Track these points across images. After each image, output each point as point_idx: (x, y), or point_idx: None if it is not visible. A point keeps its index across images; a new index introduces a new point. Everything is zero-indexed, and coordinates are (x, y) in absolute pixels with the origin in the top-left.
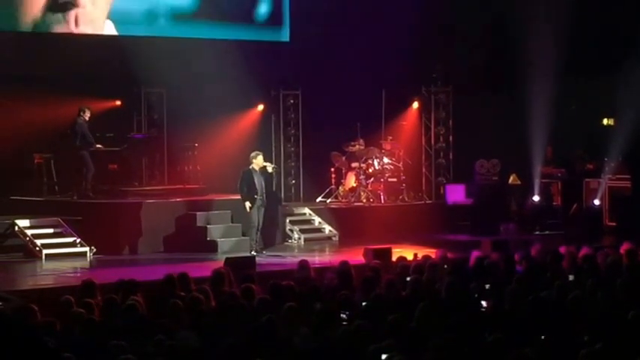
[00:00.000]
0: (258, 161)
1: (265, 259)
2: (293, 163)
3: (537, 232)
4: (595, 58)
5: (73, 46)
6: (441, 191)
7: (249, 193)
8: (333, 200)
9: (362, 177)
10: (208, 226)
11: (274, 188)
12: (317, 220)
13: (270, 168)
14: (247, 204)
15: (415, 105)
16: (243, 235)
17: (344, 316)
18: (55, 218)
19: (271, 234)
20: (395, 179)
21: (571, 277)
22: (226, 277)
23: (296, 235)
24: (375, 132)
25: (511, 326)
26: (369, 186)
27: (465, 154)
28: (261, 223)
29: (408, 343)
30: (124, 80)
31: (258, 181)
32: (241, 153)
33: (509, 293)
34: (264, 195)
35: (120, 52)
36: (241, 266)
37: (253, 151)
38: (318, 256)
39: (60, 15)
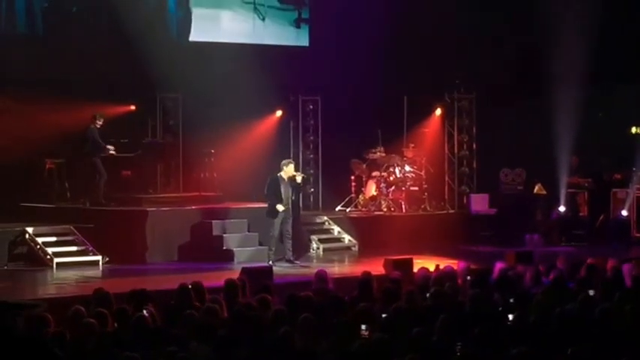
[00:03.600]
0: (288, 170)
1: (283, 270)
2: (312, 171)
3: (563, 244)
4: (623, 66)
5: (86, 49)
6: (464, 201)
7: (276, 202)
8: (353, 209)
9: (383, 185)
10: (224, 235)
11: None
12: (336, 229)
13: (299, 178)
14: (279, 206)
15: (438, 112)
16: (261, 244)
17: (364, 328)
18: (67, 226)
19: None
20: (417, 188)
21: (593, 292)
22: (240, 287)
23: (315, 245)
24: (397, 139)
25: (536, 340)
26: (390, 195)
27: (489, 163)
28: (290, 233)
29: (430, 356)
30: (138, 84)
31: (285, 190)
32: (259, 160)
33: (535, 306)
34: (291, 204)
35: (135, 56)
36: (258, 276)
37: (271, 158)
38: (337, 267)
39: None
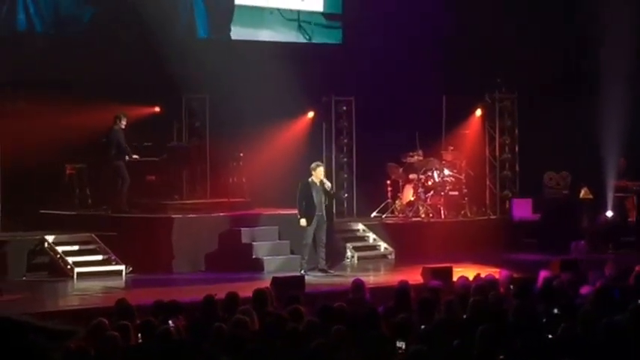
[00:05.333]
0: (317, 173)
1: (316, 279)
2: (346, 175)
3: (611, 251)
4: None
5: (109, 50)
6: (507, 206)
7: (307, 208)
8: (389, 215)
9: (420, 190)
10: (254, 243)
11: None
12: (372, 236)
13: (327, 185)
14: (302, 220)
15: (478, 112)
16: (292, 253)
17: (401, 341)
18: (88, 234)
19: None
20: (456, 193)
21: None
22: (269, 297)
23: (349, 254)
24: (435, 141)
25: (583, 352)
26: (428, 200)
27: (532, 166)
28: (324, 240)
29: None
30: (163, 85)
31: (317, 196)
32: (290, 164)
33: (581, 316)
34: (324, 211)
35: (159, 56)
36: (289, 286)
37: (302, 161)
38: (372, 276)
39: None
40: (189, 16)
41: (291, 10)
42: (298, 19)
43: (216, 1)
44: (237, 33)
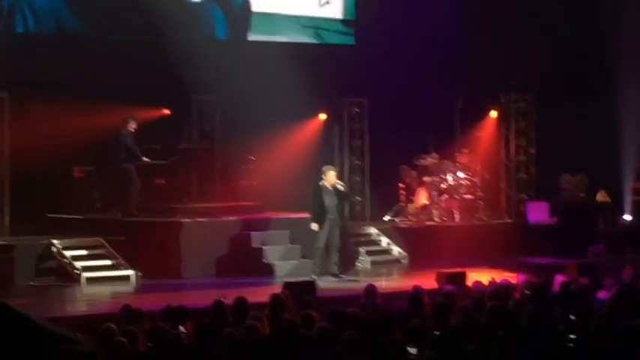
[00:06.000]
0: (328, 177)
1: (328, 284)
2: (358, 178)
3: (628, 255)
4: None
5: (117, 50)
6: (522, 209)
7: (320, 212)
8: (403, 219)
9: (434, 193)
10: (264, 247)
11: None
12: (385, 240)
13: (340, 187)
14: (314, 225)
15: (493, 114)
16: (304, 257)
17: (413, 347)
18: (97, 238)
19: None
20: (471, 196)
21: None
22: (285, 302)
23: (362, 258)
24: (449, 144)
25: (600, 357)
26: (442, 203)
27: (549, 169)
28: (337, 245)
29: None
30: (172, 87)
31: (329, 200)
32: (301, 167)
33: (598, 321)
34: (337, 215)
35: (169, 57)
36: (300, 291)
37: (314, 164)
38: (385, 281)
39: None
40: (207, 20)
41: (308, 18)
42: (315, 26)
43: (233, 7)
44: (253, 39)
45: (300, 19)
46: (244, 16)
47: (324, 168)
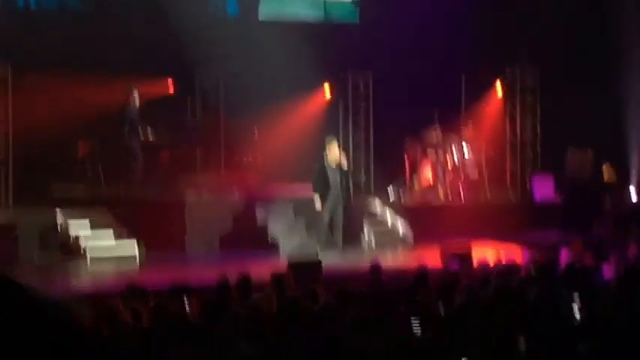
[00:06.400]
0: (332, 150)
1: (332, 260)
2: (363, 154)
3: (635, 232)
4: None
5: (119, 24)
6: (528, 186)
7: (323, 189)
8: (408, 195)
9: (439, 170)
10: (269, 221)
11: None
12: (390, 217)
13: (344, 164)
14: (317, 203)
15: (499, 89)
16: (308, 233)
17: (417, 325)
18: (102, 212)
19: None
20: (476, 173)
21: None
22: (287, 280)
23: (366, 235)
24: (454, 119)
25: (606, 336)
26: (447, 181)
27: (555, 146)
28: (341, 221)
29: (491, 355)
30: (176, 61)
31: (333, 176)
32: (306, 141)
33: (604, 300)
34: (341, 191)
35: (171, 31)
36: (306, 268)
37: (318, 138)
38: (390, 258)
39: None
40: None
41: None
42: (325, 6)
43: None
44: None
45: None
46: None
47: (327, 139)
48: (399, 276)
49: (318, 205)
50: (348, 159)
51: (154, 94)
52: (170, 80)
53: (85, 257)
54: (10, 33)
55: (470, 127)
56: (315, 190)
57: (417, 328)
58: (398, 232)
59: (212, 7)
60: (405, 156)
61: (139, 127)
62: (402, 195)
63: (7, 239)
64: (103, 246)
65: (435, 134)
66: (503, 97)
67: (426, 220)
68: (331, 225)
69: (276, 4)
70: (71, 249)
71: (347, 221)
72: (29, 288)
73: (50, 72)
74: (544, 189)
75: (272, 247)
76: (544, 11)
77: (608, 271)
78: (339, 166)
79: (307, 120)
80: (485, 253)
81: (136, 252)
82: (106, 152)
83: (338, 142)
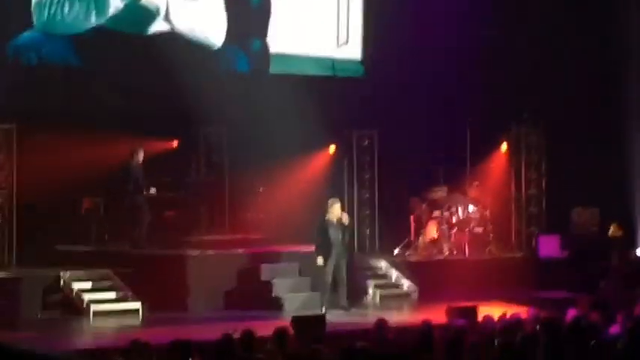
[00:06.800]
0: (333, 210)
1: (337, 318)
2: (368, 211)
3: None
4: None
5: (125, 81)
6: (533, 243)
7: (325, 246)
8: (412, 252)
9: (444, 227)
10: (274, 280)
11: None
12: (394, 274)
13: (345, 219)
14: (319, 259)
15: (504, 147)
16: (313, 290)
17: None
18: (105, 270)
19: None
20: (481, 229)
21: None
22: (290, 337)
23: (371, 291)
24: (459, 177)
25: None
26: (453, 237)
27: (560, 202)
28: (345, 278)
29: None
30: (180, 118)
31: (334, 233)
32: (311, 199)
33: (611, 357)
34: (343, 249)
35: (176, 87)
36: (310, 325)
37: (323, 196)
38: (395, 315)
39: None
40: (227, 59)
41: (326, 58)
42: (333, 66)
43: (252, 49)
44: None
45: (317, 60)
46: (264, 57)
47: (330, 201)
48: (405, 333)
49: (319, 260)
50: (352, 217)
51: (159, 151)
52: (174, 137)
53: (88, 314)
54: (15, 90)
55: (475, 186)
56: (316, 247)
57: None
58: (403, 288)
59: (223, 65)
60: (410, 213)
61: (144, 184)
62: (406, 251)
63: (11, 296)
64: (105, 303)
65: (440, 194)
66: (509, 154)
67: (430, 275)
68: (335, 282)
69: (286, 64)
70: (74, 307)
71: (351, 278)
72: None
73: (55, 129)
74: (550, 246)
75: (277, 306)
76: (549, 70)
77: (614, 328)
78: (340, 222)
79: (312, 178)
80: (491, 308)
81: (139, 309)
82: (110, 210)
83: (343, 199)
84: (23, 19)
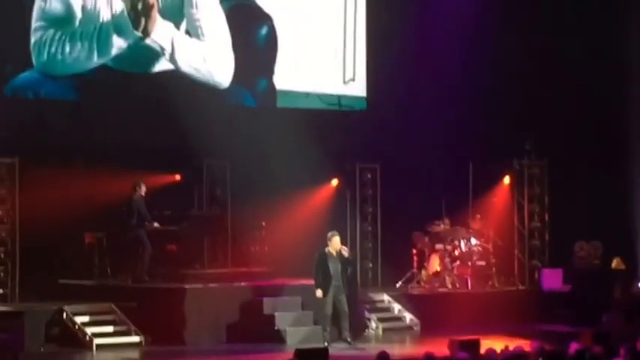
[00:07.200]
0: (333, 243)
1: (339, 351)
2: (370, 245)
3: None
4: None
5: (126, 115)
6: (536, 276)
7: (324, 279)
8: (415, 285)
9: (447, 260)
10: (276, 313)
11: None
12: (396, 307)
13: (345, 253)
14: (318, 292)
15: (506, 180)
16: (316, 324)
17: None
18: (107, 304)
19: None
20: (484, 262)
21: None
22: None
23: (373, 325)
24: (462, 210)
25: None
26: (455, 270)
27: (563, 235)
28: (346, 311)
29: None
30: (183, 151)
31: (334, 266)
32: (313, 233)
33: None
34: (343, 281)
35: (179, 121)
36: (313, 358)
37: (326, 230)
38: (398, 348)
39: None
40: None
41: (332, 95)
42: (339, 102)
43: (258, 89)
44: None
45: (322, 97)
46: (270, 95)
47: (329, 234)
48: None
49: (319, 293)
50: (354, 250)
51: (162, 184)
52: (177, 171)
53: (91, 348)
54: (17, 125)
55: (478, 219)
56: (315, 279)
57: None
58: (405, 322)
59: (227, 100)
60: (413, 246)
61: (147, 217)
62: (409, 284)
63: (14, 330)
64: (107, 337)
65: (442, 227)
66: (511, 187)
67: (433, 308)
68: (336, 315)
69: (292, 101)
70: (76, 340)
71: (353, 311)
72: None
73: (58, 163)
74: (552, 279)
75: (279, 339)
76: (551, 103)
77: None
78: (339, 254)
79: (315, 211)
80: (493, 342)
81: (142, 343)
82: (112, 244)
83: (345, 233)
84: (22, 58)
